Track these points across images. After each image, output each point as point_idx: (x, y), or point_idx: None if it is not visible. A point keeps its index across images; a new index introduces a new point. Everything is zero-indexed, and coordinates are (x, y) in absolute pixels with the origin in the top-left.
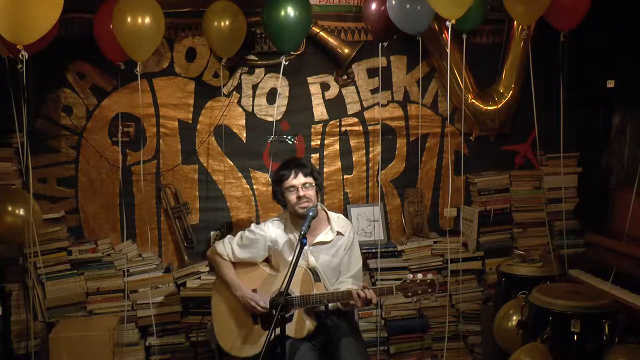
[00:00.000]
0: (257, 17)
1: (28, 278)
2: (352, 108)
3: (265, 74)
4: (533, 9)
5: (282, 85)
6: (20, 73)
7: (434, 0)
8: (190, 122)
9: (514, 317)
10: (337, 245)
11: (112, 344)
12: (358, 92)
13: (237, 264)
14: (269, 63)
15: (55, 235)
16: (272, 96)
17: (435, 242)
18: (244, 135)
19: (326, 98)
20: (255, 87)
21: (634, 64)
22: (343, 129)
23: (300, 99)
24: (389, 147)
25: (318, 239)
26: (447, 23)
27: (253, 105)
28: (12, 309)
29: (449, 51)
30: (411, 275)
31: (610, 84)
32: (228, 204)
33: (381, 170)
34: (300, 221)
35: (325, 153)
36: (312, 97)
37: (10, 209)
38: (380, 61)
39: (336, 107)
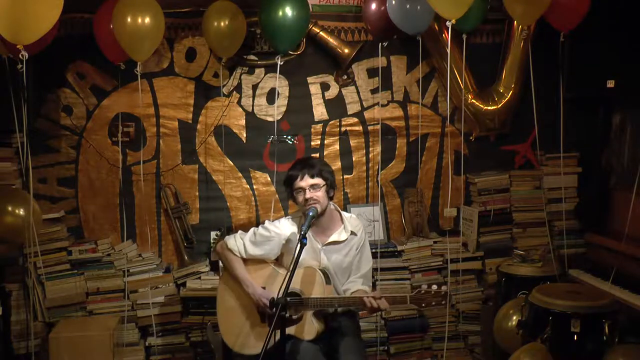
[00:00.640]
0: (257, 17)
1: (28, 278)
2: (352, 108)
3: (265, 74)
4: (533, 9)
5: (281, 85)
6: (20, 73)
7: (434, 0)
8: (190, 122)
9: (514, 317)
10: (350, 245)
11: (112, 344)
12: (358, 92)
13: (247, 260)
14: (269, 63)
15: (55, 235)
16: (272, 96)
17: (435, 242)
18: (244, 135)
19: (326, 98)
20: (255, 87)
21: (634, 64)
22: (343, 129)
23: (300, 99)
24: (389, 147)
25: (331, 238)
26: (447, 23)
27: (253, 105)
28: (12, 309)
29: (449, 51)
30: (425, 286)
31: (610, 84)
32: (228, 204)
33: (381, 170)
34: (319, 226)
35: (325, 153)
36: (312, 97)
37: (10, 209)
38: (380, 61)
39: (336, 107)
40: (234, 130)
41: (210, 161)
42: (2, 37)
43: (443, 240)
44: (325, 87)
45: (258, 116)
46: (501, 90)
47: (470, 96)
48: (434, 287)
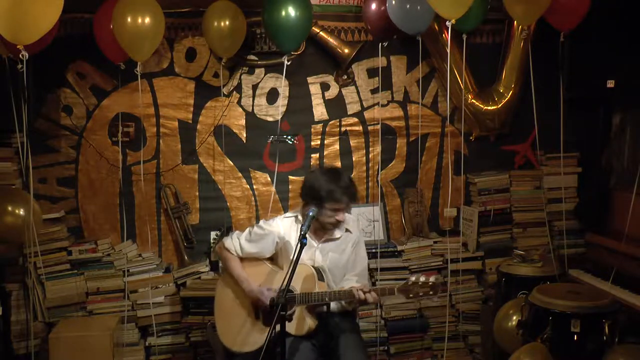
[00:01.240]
0: (257, 17)
1: (28, 278)
2: (352, 108)
3: (265, 74)
4: (533, 9)
5: (282, 85)
6: (20, 73)
7: (434, 0)
8: (190, 122)
9: (514, 317)
10: (346, 242)
11: (112, 344)
12: (358, 92)
13: (244, 259)
14: (269, 63)
15: (55, 235)
16: (272, 96)
17: (435, 242)
18: (244, 135)
19: (326, 98)
20: (255, 87)
21: (634, 64)
22: (343, 129)
23: (300, 99)
24: (389, 147)
25: (326, 236)
26: (447, 23)
27: (253, 105)
28: (12, 309)
29: (449, 51)
30: (414, 277)
31: (610, 84)
32: (228, 204)
33: (381, 170)
34: (317, 225)
35: (325, 153)
36: (312, 97)
37: (10, 209)
38: (380, 61)
39: (336, 107)
40: (234, 130)
41: (210, 161)
42: (2, 37)
43: (443, 240)
44: (325, 87)
45: (258, 116)
46: (501, 90)
47: (470, 96)
48: (422, 278)
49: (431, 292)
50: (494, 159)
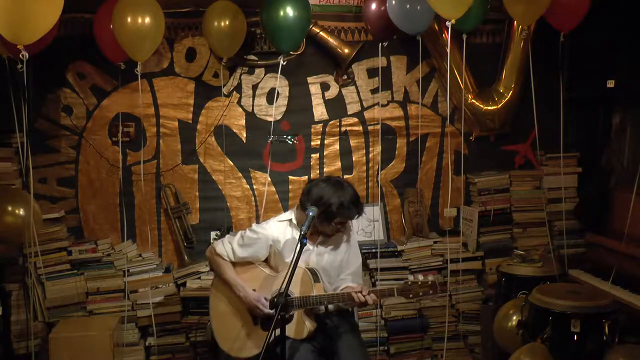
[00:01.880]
0: (257, 17)
1: (28, 278)
2: (352, 108)
3: (265, 74)
4: (533, 9)
5: (281, 85)
6: (20, 73)
7: (434, 0)
8: (190, 122)
9: (514, 317)
10: (340, 243)
11: (112, 344)
12: (358, 92)
13: (236, 264)
14: (269, 63)
15: (55, 235)
16: (272, 96)
17: (435, 242)
18: (244, 135)
19: (326, 98)
20: (255, 87)
21: (634, 64)
22: (343, 129)
23: (300, 99)
24: (389, 147)
25: (320, 238)
26: (447, 23)
27: (253, 105)
28: (12, 309)
29: (449, 51)
30: (412, 277)
31: (610, 84)
32: (228, 204)
33: (381, 170)
34: (313, 230)
35: (325, 153)
36: (312, 97)
37: (10, 209)
38: (380, 61)
39: (336, 107)
40: (234, 130)
41: (210, 161)
42: (2, 37)
43: (443, 240)
44: (325, 87)
45: (258, 116)
46: (501, 90)
47: (470, 96)
48: (421, 277)
49: (431, 292)
50: (494, 159)
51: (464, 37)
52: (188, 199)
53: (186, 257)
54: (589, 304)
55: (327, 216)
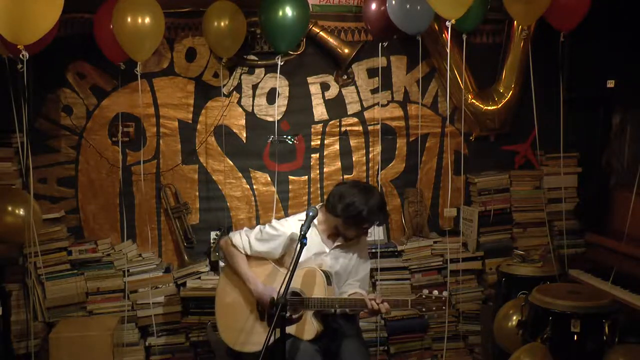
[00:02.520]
0: (257, 17)
1: (28, 278)
2: (352, 108)
3: (265, 74)
4: (533, 9)
5: (281, 85)
6: (21, 73)
7: (434, 0)
8: (190, 122)
9: (514, 317)
10: (354, 248)
11: (112, 344)
12: (358, 92)
13: (250, 258)
14: (269, 63)
15: (55, 235)
16: (272, 96)
17: (435, 242)
18: (244, 135)
19: (326, 98)
20: (255, 87)
21: (634, 64)
22: (343, 129)
23: (300, 99)
24: (389, 147)
25: (338, 241)
26: (447, 23)
27: (253, 105)
28: (12, 309)
29: (449, 51)
30: (427, 291)
31: (610, 84)
32: (228, 204)
33: (381, 170)
34: (333, 232)
35: (325, 153)
36: (312, 97)
37: (10, 209)
38: (380, 61)
39: (336, 107)
40: (234, 130)
41: (210, 161)
42: (2, 37)
43: (443, 240)
44: (325, 87)
45: (258, 116)
46: (501, 90)
47: (470, 96)
48: (435, 292)
49: (443, 307)
50: (494, 159)
51: (464, 37)
52: (188, 199)
53: (186, 257)
54: (589, 304)
55: (356, 221)
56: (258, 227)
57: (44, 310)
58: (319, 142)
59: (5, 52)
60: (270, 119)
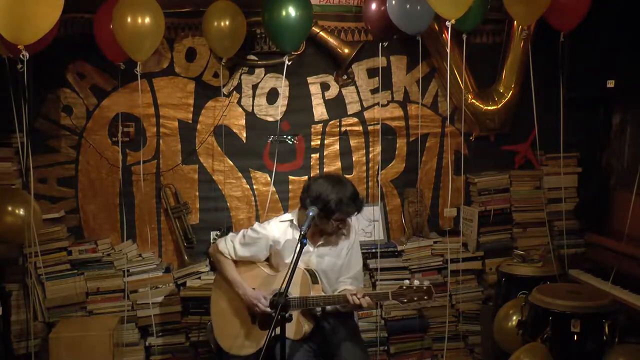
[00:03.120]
0: (257, 17)
1: (28, 278)
2: (352, 108)
3: (265, 74)
4: (533, 9)
5: (282, 85)
6: (21, 73)
7: (434, 0)
8: (190, 122)
9: (514, 317)
10: (342, 246)
11: (112, 344)
12: (358, 92)
13: (238, 262)
14: (269, 63)
15: (55, 235)
16: (272, 96)
17: (435, 242)
18: (244, 135)
19: (326, 98)
20: (255, 87)
21: (634, 64)
22: (343, 129)
23: (300, 99)
24: (389, 147)
25: (321, 240)
26: (447, 23)
27: (253, 105)
28: (12, 309)
29: (449, 51)
30: (408, 281)
31: (610, 84)
32: (228, 204)
33: (381, 170)
34: (315, 230)
35: (325, 153)
36: (312, 97)
37: (10, 209)
38: (380, 61)
39: (336, 107)
40: (234, 130)
41: (210, 161)
42: (2, 37)
43: (443, 240)
44: (325, 87)
45: (258, 116)
46: (501, 90)
47: (470, 96)
48: (416, 282)
49: (426, 297)
50: (494, 159)
51: (464, 37)
52: (188, 199)
53: (186, 257)
54: (589, 304)
55: (326, 213)
56: (242, 231)
57: (44, 310)
58: (319, 142)
59: (5, 52)
60: (270, 119)
